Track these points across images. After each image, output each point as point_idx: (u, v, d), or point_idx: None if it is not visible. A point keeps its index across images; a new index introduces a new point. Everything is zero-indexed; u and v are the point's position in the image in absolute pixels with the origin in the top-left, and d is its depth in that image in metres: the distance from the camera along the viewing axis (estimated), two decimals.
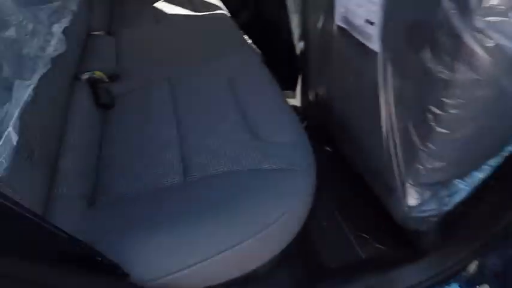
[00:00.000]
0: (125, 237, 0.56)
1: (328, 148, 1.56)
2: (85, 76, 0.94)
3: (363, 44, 0.81)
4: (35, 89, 0.64)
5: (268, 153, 0.73)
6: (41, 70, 0.61)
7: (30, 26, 0.69)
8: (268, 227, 0.61)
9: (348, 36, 0.88)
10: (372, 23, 0.77)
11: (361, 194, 1.05)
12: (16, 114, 0.50)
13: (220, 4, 1.54)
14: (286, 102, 0.93)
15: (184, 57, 1.09)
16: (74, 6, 0.95)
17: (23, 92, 0.54)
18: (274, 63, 1.64)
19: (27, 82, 0.56)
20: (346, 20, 0.88)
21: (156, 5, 1.49)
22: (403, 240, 0.90)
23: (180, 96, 0.93)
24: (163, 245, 0.58)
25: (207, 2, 1.51)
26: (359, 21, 0.82)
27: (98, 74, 0.97)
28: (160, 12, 1.45)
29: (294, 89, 1.81)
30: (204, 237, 0.59)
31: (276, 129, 0.80)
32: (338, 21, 0.93)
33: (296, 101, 1.74)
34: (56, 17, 0.83)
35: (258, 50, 1.55)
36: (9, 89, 0.53)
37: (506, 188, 0.71)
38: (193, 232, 0.59)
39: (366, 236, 1.03)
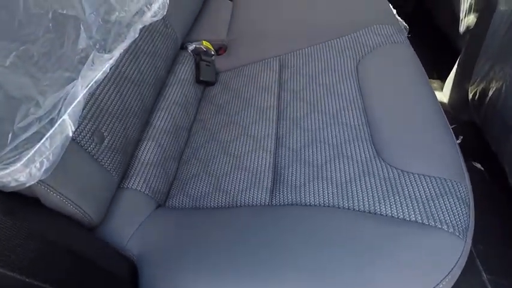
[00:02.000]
0: (175, 269, 0.44)
1: (477, 165, 1.16)
2: (191, 47, 0.85)
3: None
4: (118, 64, 0.55)
5: (398, 189, 0.47)
6: (127, 41, 0.51)
7: None
8: None
9: None
10: None
11: None
12: (80, 96, 0.40)
13: None
14: (438, 107, 0.62)
15: (305, 30, 0.87)
16: None
17: (98, 67, 0.45)
18: (422, 41, 1.24)
19: (106, 56, 0.46)
20: None
21: None
22: None
23: (288, 83, 0.73)
24: None
25: None
26: None
27: (205, 44, 0.86)
28: None
29: (442, 77, 1.39)
30: None
31: (417, 151, 0.53)
32: None
33: (442, 95, 1.32)
34: None
35: (404, 25, 1.18)
36: (82, 63, 0.44)
37: None
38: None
39: None
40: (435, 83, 1.37)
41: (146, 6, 0.63)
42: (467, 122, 1.14)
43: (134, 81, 0.57)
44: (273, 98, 0.70)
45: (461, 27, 1.21)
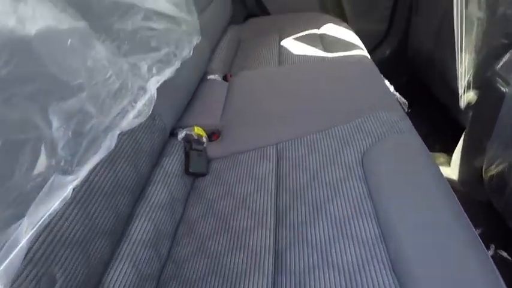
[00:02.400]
0: None
1: (503, 253, 1.04)
2: (182, 134, 0.79)
3: None
4: (88, 177, 0.47)
5: None
6: (99, 154, 0.44)
7: (115, 85, 0.55)
8: None
9: None
10: None
11: None
12: (23, 241, 0.32)
13: (358, 42, 1.23)
14: (461, 214, 0.53)
15: (305, 115, 0.82)
16: (186, 52, 0.82)
17: (57, 192, 0.37)
18: (419, 111, 1.22)
19: (70, 178, 0.39)
20: None
21: (283, 43, 1.31)
22: None
23: (287, 180, 0.66)
24: None
25: (341, 39, 1.23)
26: None
27: (197, 131, 0.80)
28: (285, 50, 1.25)
29: (446, 150, 1.34)
30: None
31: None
32: None
33: (450, 171, 1.25)
34: (158, 68, 0.69)
35: (403, 102, 1.16)
36: (36, 192, 0.37)
37: None
38: None
39: None
40: (441, 157, 1.31)
41: (131, 104, 0.57)
42: (484, 203, 1.05)
43: (107, 192, 0.49)
44: (270, 199, 0.62)
45: (462, 103, 1.19)
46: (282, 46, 1.28)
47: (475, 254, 0.46)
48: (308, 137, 0.74)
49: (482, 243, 0.50)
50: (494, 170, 0.88)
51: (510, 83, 0.78)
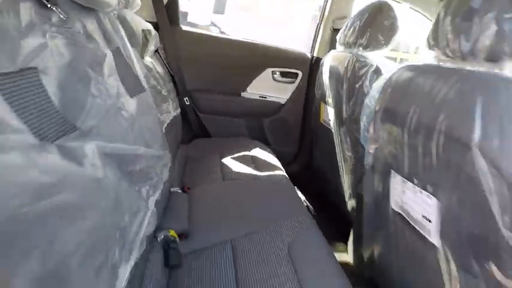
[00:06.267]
0: None
1: None
2: (161, 236, 1.08)
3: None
4: None
5: None
6: None
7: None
8: None
9: (405, 221, 0.94)
10: (429, 220, 0.83)
11: None
12: None
13: (278, 163, 1.77)
14: (339, 270, 0.97)
15: (246, 218, 1.22)
16: (165, 176, 1.17)
17: None
18: (326, 215, 1.70)
19: None
20: (403, 209, 0.96)
21: (224, 161, 1.76)
22: None
23: (241, 260, 1.02)
24: None
25: (267, 161, 1.76)
26: (416, 215, 0.89)
27: (172, 233, 1.10)
28: (227, 168, 1.69)
29: (345, 242, 1.81)
30: None
31: None
32: (394, 206, 1.01)
33: (348, 256, 1.70)
34: (153, 191, 1.02)
35: (311, 209, 1.65)
36: None
37: None
38: None
39: None
40: (340, 247, 1.78)
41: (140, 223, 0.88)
42: (369, 278, 1.49)
43: None
44: (230, 274, 0.97)
45: (348, 207, 1.74)
46: (224, 164, 1.73)
47: None
48: (254, 234, 1.13)
49: None
50: (367, 251, 1.36)
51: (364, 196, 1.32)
